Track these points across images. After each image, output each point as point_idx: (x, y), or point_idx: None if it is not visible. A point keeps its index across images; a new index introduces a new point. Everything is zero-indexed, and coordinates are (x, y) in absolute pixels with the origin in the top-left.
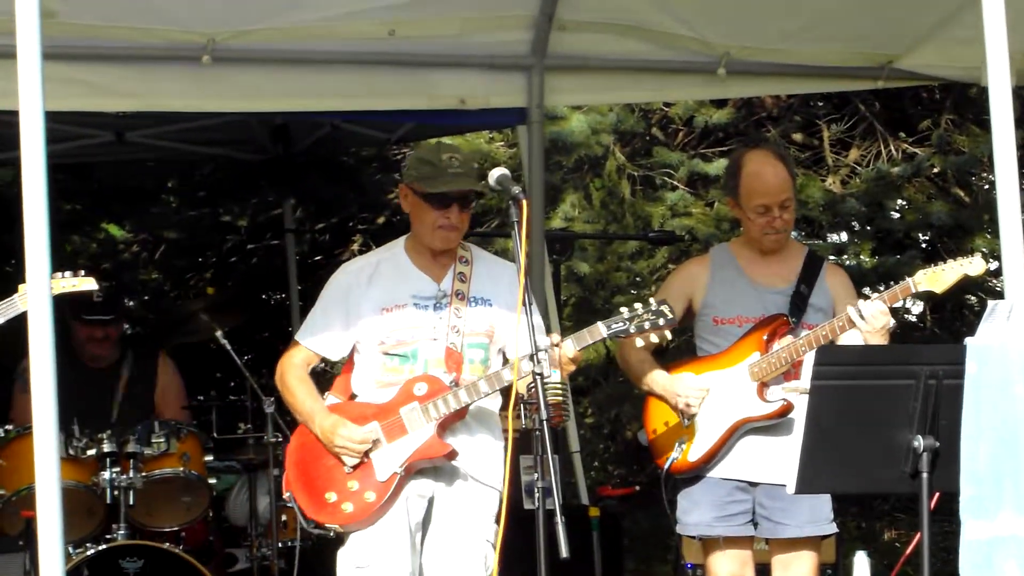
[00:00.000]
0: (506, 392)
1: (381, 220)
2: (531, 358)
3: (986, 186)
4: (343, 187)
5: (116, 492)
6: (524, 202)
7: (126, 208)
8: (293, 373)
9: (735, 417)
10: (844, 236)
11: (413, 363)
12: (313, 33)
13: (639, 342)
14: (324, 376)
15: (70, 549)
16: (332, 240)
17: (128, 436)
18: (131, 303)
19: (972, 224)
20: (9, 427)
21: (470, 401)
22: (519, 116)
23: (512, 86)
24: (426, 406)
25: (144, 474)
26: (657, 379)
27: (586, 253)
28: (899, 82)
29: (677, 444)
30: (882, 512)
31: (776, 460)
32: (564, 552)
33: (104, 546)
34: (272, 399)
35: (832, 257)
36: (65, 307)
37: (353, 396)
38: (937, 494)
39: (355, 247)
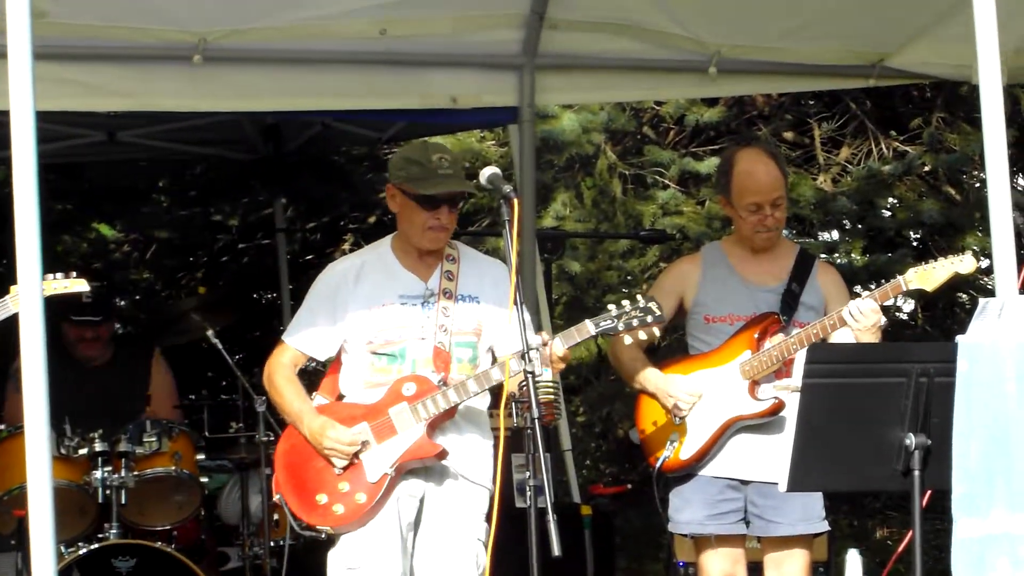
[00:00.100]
0: (495, 391)
1: (372, 219)
2: (523, 356)
3: (977, 184)
4: (334, 186)
5: (108, 491)
6: (515, 201)
7: (117, 208)
8: (281, 373)
9: (727, 415)
10: (835, 234)
11: (401, 363)
12: (305, 32)
13: (628, 339)
14: (317, 375)
15: (62, 548)
16: (323, 239)
17: (120, 435)
18: (122, 303)
19: (963, 222)
20: (1, 426)
21: (459, 401)
22: (510, 115)
23: (503, 85)
24: (415, 406)
25: (136, 473)
26: (649, 377)
27: (577, 252)
28: (890, 80)
29: (669, 442)
30: (874, 510)
31: (768, 458)
32: (556, 550)
33: (96, 545)
34: (263, 398)
35: (823, 256)
36: (55, 308)
37: (341, 396)
38: (929, 492)
39: (346, 246)
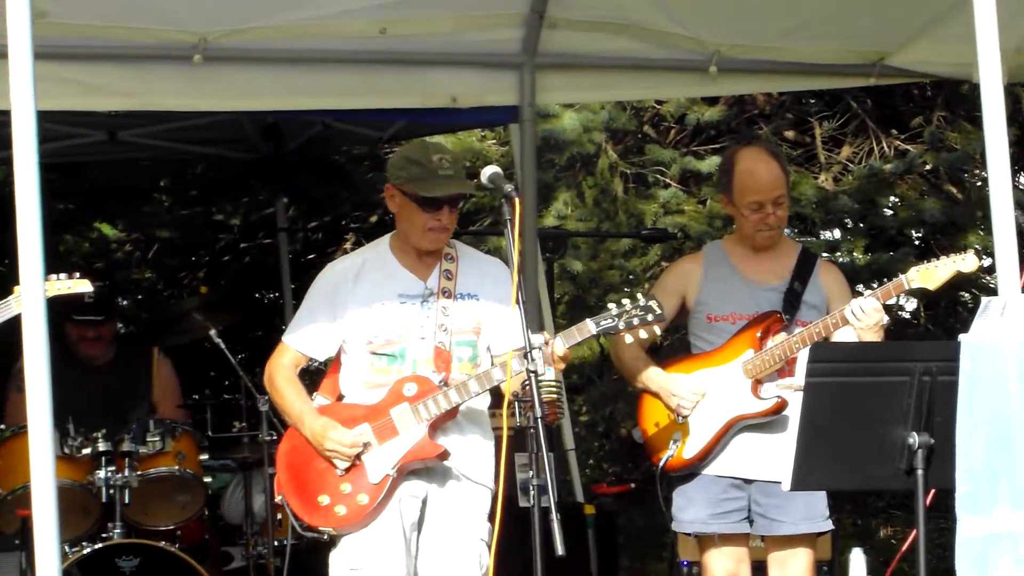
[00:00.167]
0: (496, 391)
1: (374, 219)
2: (525, 356)
3: (978, 183)
4: (335, 186)
5: (112, 491)
6: (517, 200)
7: (119, 207)
8: (281, 374)
9: (729, 414)
10: (837, 233)
11: (401, 363)
12: (305, 32)
13: (629, 338)
14: (319, 375)
15: (66, 548)
16: (325, 239)
17: (123, 435)
18: (124, 302)
19: (965, 221)
20: (3, 426)
21: (460, 401)
22: (511, 114)
23: (504, 84)
24: (416, 407)
25: (139, 473)
26: (652, 377)
27: (579, 251)
28: (891, 79)
29: (672, 441)
30: (877, 509)
31: (771, 457)
32: (560, 550)
33: (100, 545)
34: (266, 397)
35: (825, 254)
36: (57, 308)
37: (341, 397)
38: (932, 491)
39: (348, 245)
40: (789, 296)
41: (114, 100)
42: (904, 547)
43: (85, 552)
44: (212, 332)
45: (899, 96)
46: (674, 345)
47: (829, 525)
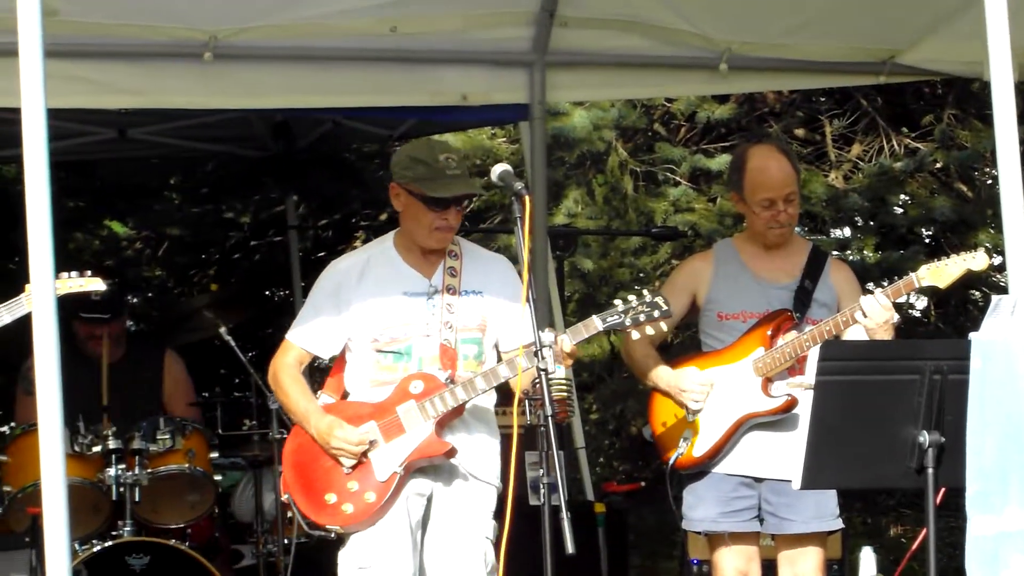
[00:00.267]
0: (503, 389)
1: (384, 217)
2: (536, 354)
3: (989, 181)
4: (345, 184)
5: (122, 489)
6: (527, 198)
7: (129, 205)
8: (286, 373)
9: (740, 413)
10: (847, 231)
11: (407, 361)
12: (315, 30)
13: (635, 335)
14: (325, 372)
15: (76, 546)
16: (335, 236)
17: (133, 433)
18: (134, 300)
19: (975, 219)
20: (13, 425)
21: (467, 398)
22: (521, 112)
23: (514, 82)
24: (423, 404)
25: (149, 471)
26: (661, 374)
27: (589, 249)
28: (901, 77)
29: (682, 439)
30: (887, 508)
31: (781, 456)
32: (570, 548)
33: (110, 543)
34: None
35: (836, 253)
36: (66, 306)
37: (346, 394)
38: (943, 489)
39: (357, 243)
40: (800, 294)
41: (124, 98)
42: (914, 546)
43: (95, 550)
44: (222, 330)
45: (909, 94)
46: (684, 343)
47: (839, 524)
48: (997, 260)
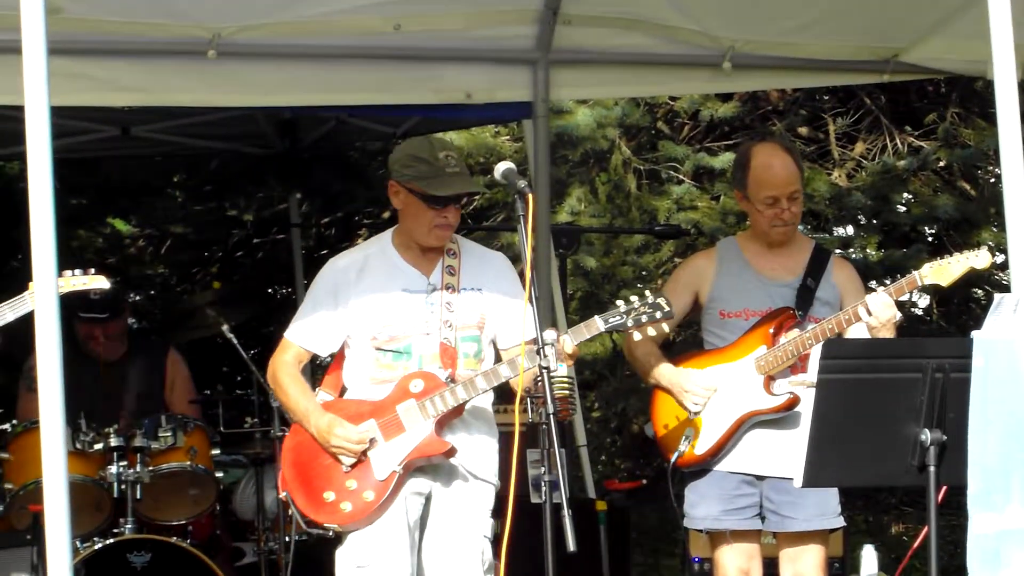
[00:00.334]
0: (501, 386)
1: (387, 215)
2: (538, 352)
3: (992, 179)
4: (349, 181)
5: (123, 486)
6: (530, 196)
7: (132, 203)
8: (285, 371)
9: (742, 410)
10: (850, 230)
11: (407, 359)
12: (319, 27)
13: (637, 335)
14: (326, 369)
15: (78, 543)
16: (338, 234)
17: (135, 430)
18: (137, 298)
19: (978, 217)
20: (15, 422)
21: (468, 398)
22: (525, 110)
23: (517, 80)
24: (423, 403)
25: (151, 468)
26: (664, 373)
27: (592, 247)
28: (905, 76)
29: (684, 438)
30: (889, 506)
31: (783, 453)
32: (571, 546)
33: (112, 540)
34: None
35: (839, 251)
36: (67, 304)
37: (344, 392)
38: (944, 488)
39: (360, 241)
40: (802, 292)
41: (127, 95)
42: (916, 544)
43: (97, 547)
44: (225, 327)
45: (913, 92)
46: (687, 341)
47: (841, 522)
48: (1000, 258)
